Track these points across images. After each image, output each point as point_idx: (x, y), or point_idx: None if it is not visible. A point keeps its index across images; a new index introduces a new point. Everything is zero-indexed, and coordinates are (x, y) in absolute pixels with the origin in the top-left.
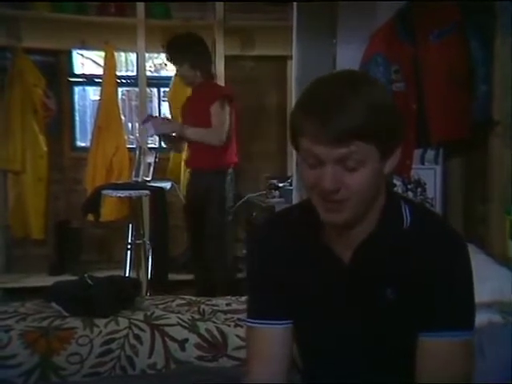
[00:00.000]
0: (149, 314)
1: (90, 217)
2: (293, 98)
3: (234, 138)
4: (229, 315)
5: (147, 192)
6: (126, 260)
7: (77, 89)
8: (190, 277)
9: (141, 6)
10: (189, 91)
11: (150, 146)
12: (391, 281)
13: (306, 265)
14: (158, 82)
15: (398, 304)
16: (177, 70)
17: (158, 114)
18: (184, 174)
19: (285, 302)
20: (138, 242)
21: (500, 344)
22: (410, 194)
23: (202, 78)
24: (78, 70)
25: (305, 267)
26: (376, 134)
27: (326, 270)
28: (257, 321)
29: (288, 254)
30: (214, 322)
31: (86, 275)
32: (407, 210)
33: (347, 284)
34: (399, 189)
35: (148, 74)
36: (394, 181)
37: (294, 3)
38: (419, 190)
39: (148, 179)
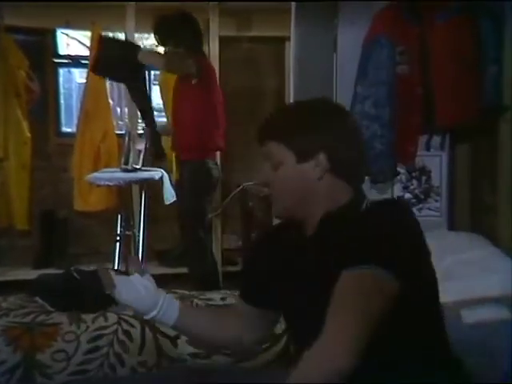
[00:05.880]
0: None
1: (80, 205)
2: (291, 81)
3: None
4: None
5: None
6: (114, 252)
7: (62, 71)
8: (182, 270)
9: None
10: None
11: (140, 131)
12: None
13: (284, 253)
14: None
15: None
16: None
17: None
18: (175, 163)
19: (267, 289)
20: (127, 233)
21: (507, 341)
22: (415, 183)
23: None
24: (63, 51)
25: (283, 254)
26: (286, 135)
27: (294, 248)
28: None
29: (275, 246)
30: None
31: (72, 268)
32: (368, 202)
33: (308, 257)
34: (403, 177)
35: None
36: (398, 168)
37: None
38: (424, 177)
39: (138, 167)
